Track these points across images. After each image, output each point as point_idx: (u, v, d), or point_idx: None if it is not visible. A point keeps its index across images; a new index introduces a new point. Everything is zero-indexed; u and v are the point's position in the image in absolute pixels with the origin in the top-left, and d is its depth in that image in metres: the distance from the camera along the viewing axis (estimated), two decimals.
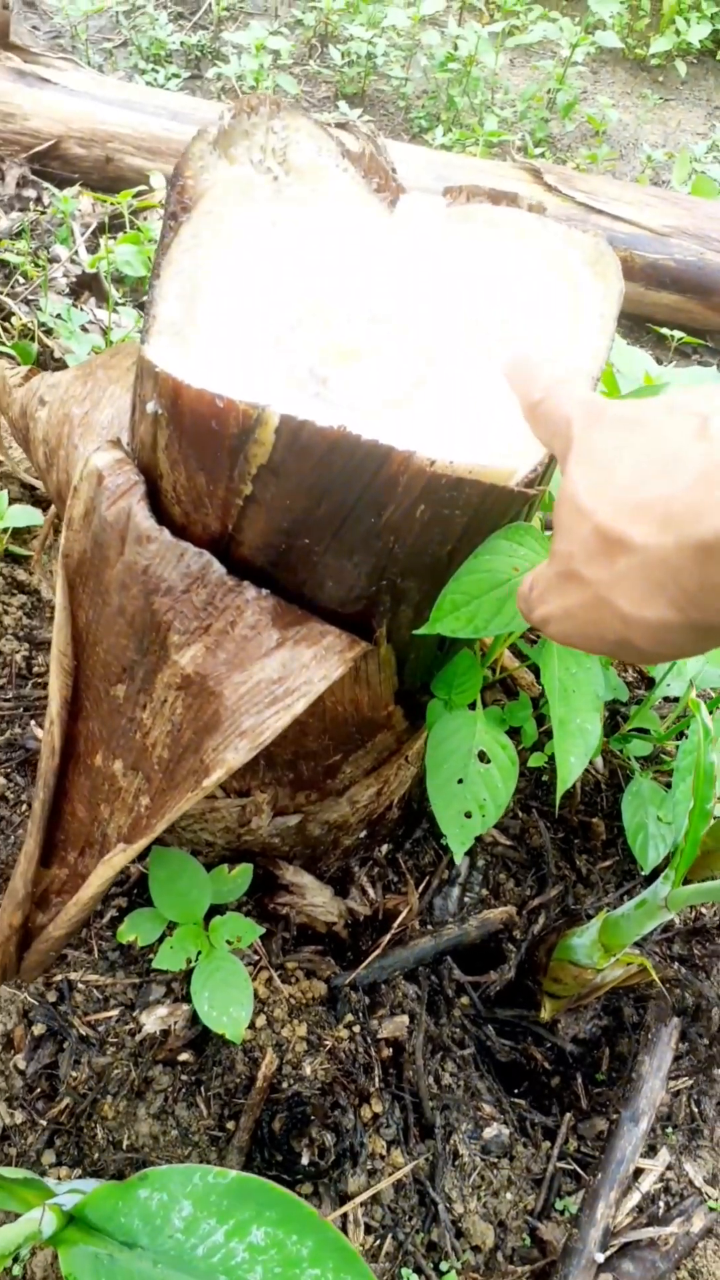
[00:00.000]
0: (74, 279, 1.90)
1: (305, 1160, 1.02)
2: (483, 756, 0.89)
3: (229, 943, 0.98)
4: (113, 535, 0.76)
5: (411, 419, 0.73)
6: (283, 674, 0.71)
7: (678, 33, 3.08)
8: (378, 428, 0.67)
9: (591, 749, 0.75)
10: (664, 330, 2.21)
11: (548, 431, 0.56)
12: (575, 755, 0.73)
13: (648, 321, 2.27)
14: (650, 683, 1.36)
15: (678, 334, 2.17)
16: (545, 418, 0.56)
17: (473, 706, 0.93)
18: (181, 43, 2.83)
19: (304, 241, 0.79)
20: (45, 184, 2.13)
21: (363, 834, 1.12)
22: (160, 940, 1.02)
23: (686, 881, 1.15)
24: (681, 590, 0.45)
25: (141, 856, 1.08)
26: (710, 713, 0.95)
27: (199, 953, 0.97)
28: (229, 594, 0.72)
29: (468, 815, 0.85)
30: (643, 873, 1.16)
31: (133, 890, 1.12)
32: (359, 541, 0.71)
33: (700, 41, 3.16)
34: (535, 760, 1.21)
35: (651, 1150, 1.18)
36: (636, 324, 2.29)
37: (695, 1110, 1.21)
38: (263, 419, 0.63)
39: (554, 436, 0.55)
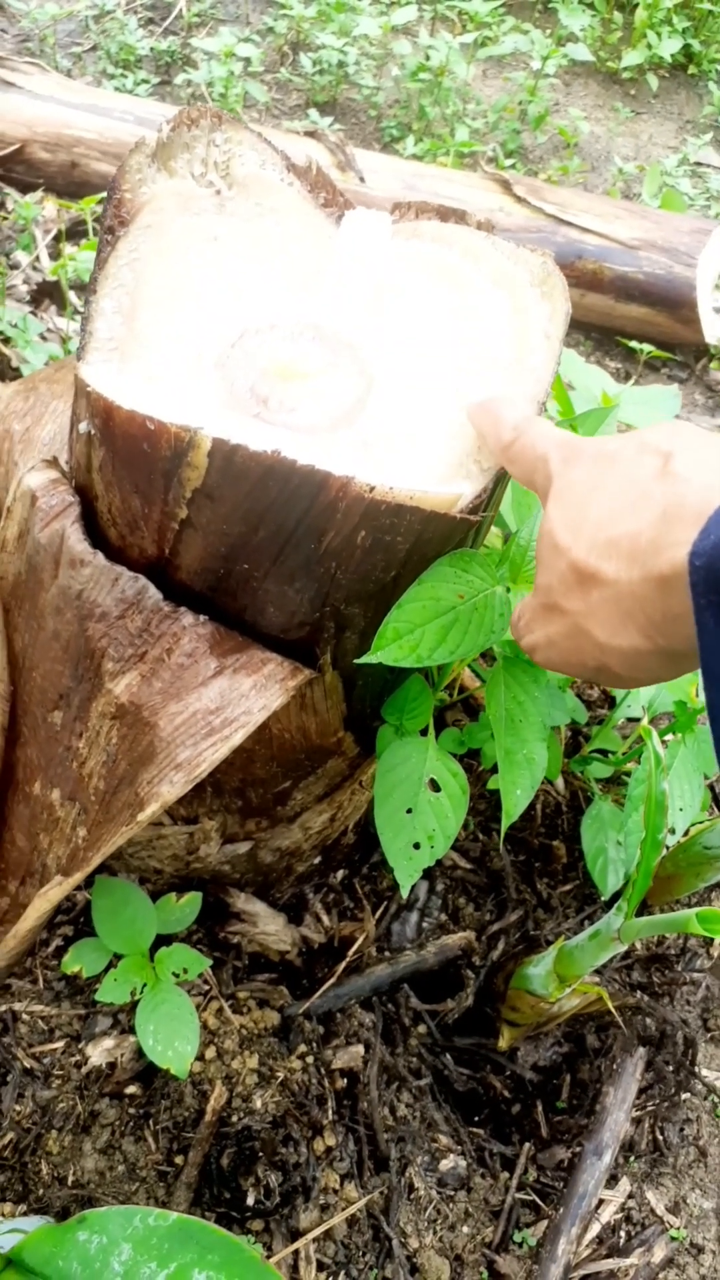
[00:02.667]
0: (34, 286, 1.87)
1: (254, 1198, 0.99)
2: (434, 785, 0.87)
3: (175, 975, 0.95)
4: (46, 558, 0.73)
5: (353, 441, 0.71)
6: (220, 704, 0.69)
7: (649, 46, 3.08)
8: (318, 450, 0.65)
9: (539, 779, 0.73)
10: (633, 344, 2.20)
11: (525, 470, 0.60)
12: (521, 788, 0.71)
13: (617, 334, 2.26)
14: (613, 702, 1.35)
15: (647, 347, 2.16)
16: (520, 456, 0.60)
17: (424, 732, 0.91)
18: (151, 48, 2.80)
19: (247, 257, 0.77)
20: (8, 189, 2.10)
21: (317, 860, 1.10)
22: (106, 970, 0.99)
23: (648, 906, 1.14)
24: (648, 619, 0.48)
25: (88, 884, 1.05)
26: (663, 739, 0.94)
27: (144, 985, 0.94)
28: (165, 620, 0.70)
29: (416, 846, 0.83)
30: (602, 898, 1.14)
31: (79, 919, 1.08)
32: (300, 567, 0.68)
33: (672, 56, 3.16)
34: (495, 783, 1.19)
35: (613, 1179, 1.16)
36: (606, 337, 2.28)
37: (659, 1137, 1.19)
38: (195, 442, 0.61)
39: (533, 474, 0.59)
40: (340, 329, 0.75)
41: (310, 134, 2.29)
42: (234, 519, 0.65)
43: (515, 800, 0.71)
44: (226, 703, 0.69)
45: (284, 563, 0.68)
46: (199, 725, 0.69)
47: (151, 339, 0.73)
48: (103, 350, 0.73)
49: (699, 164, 2.99)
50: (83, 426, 0.68)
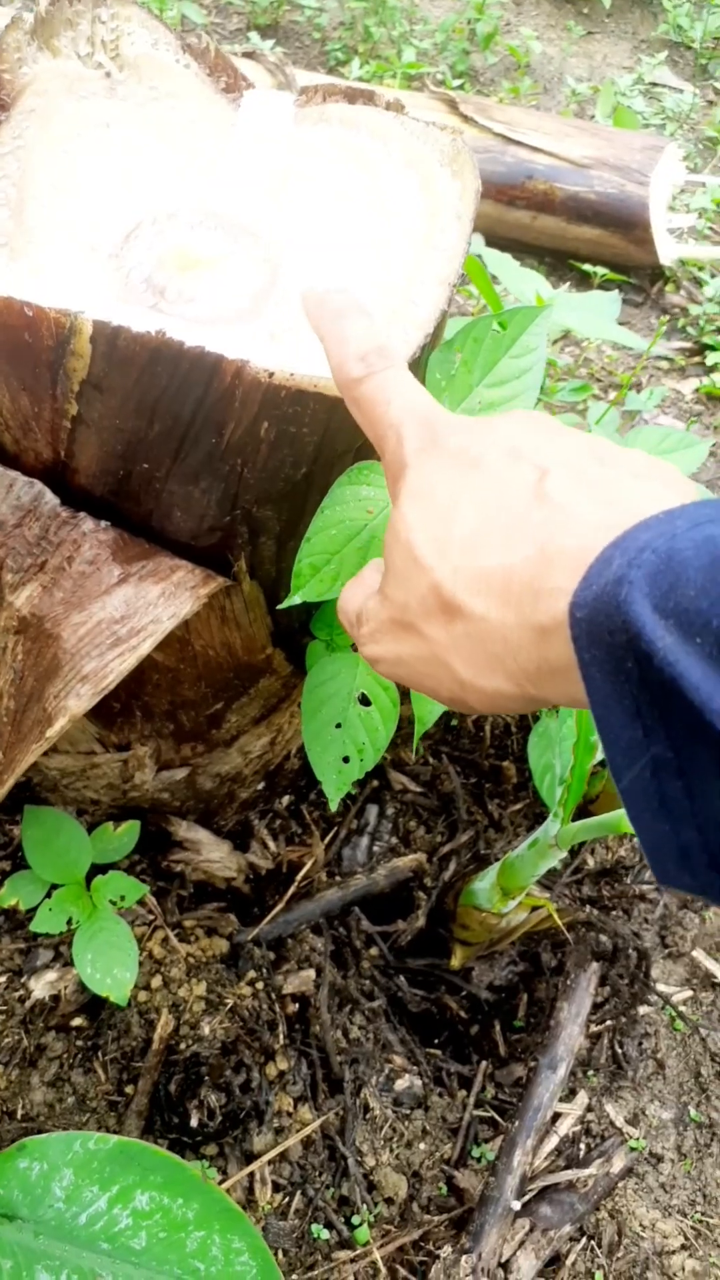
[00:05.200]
0: None
1: (202, 1122, 0.99)
2: (364, 699, 0.85)
3: (113, 903, 0.94)
4: None
5: (259, 333, 0.67)
6: (126, 612, 0.66)
7: None
8: (221, 343, 0.62)
9: None
10: (586, 266, 2.15)
11: (369, 426, 0.51)
12: None
13: (570, 258, 2.21)
14: None
15: (601, 270, 2.12)
16: (368, 408, 0.51)
17: (354, 647, 0.88)
18: None
19: (141, 144, 0.73)
20: None
21: (260, 786, 1.08)
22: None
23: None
24: (520, 668, 0.43)
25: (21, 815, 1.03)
26: None
27: (82, 914, 0.93)
28: (63, 526, 0.67)
29: (345, 760, 0.81)
30: (551, 813, 1.13)
31: (16, 853, 1.06)
32: (203, 465, 0.65)
33: None
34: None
35: (572, 1094, 1.16)
36: (559, 260, 2.23)
37: (617, 1051, 1.20)
38: (76, 327, 0.58)
39: (380, 440, 0.50)
40: (242, 216, 0.71)
41: (248, 55, 2.20)
42: (126, 412, 0.62)
43: (429, 708, 0.69)
44: (133, 611, 0.66)
45: (185, 460, 0.65)
46: (104, 635, 0.66)
47: (40, 232, 0.69)
48: None
49: (654, 84, 2.91)
50: None
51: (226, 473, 0.66)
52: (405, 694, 0.94)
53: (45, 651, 0.67)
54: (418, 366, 0.69)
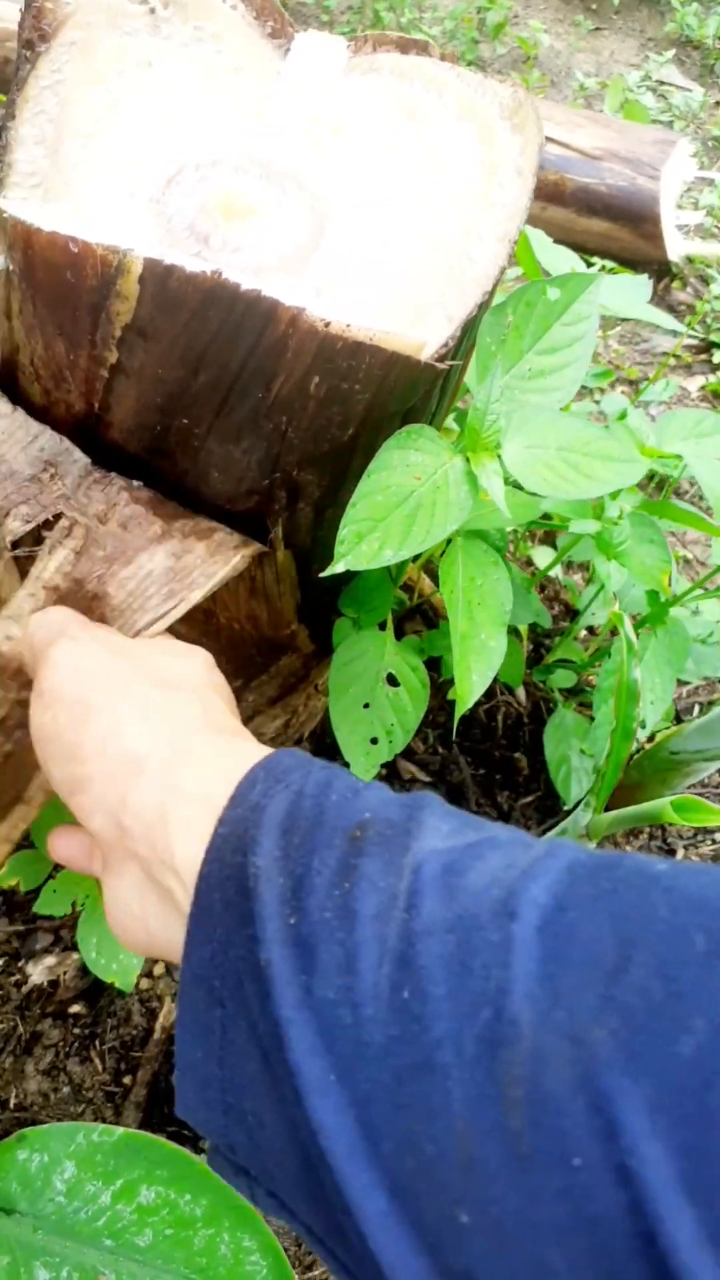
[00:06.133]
0: None
1: None
2: (391, 680, 0.82)
3: None
4: None
5: (305, 286, 0.64)
6: (174, 565, 0.63)
7: None
8: (270, 289, 0.59)
9: (496, 666, 0.68)
10: (594, 260, 2.13)
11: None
12: (478, 673, 0.66)
13: (578, 250, 2.19)
14: (575, 614, 1.31)
15: (609, 264, 2.10)
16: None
17: (383, 626, 0.85)
18: None
19: (185, 86, 0.69)
20: None
21: None
22: (46, 883, 0.93)
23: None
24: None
25: None
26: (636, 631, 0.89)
27: (86, 896, 0.89)
28: (94, 486, 0.63)
29: (374, 741, 0.77)
30: (565, 807, 1.11)
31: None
32: (247, 421, 0.62)
33: None
34: (449, 674, 1.14)
35: None
36: None
37: None
38: (124, 266, 0.54)
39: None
40: (288, 165, 0.68)
41: None
42: (171, 361, 0.58)
43: (472, 685, 0.66)
44: (181, 565, 0.63)
45: (229, 415, 0.61)
46: (155, 588, 0.62)
47: (78, 173, 0.65)
48: (23, 186, 0.65)
49: (661, 82, 2.90)
50: (0, 261, 0.61)
51: (270, 431, 0.63)
52: (433, 677, 0.91)
53: (91, 613, 0.63)
54: (473, 326, 0.66)
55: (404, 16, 2.68)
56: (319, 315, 0.56)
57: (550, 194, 2.10)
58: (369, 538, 0.64)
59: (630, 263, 2.18)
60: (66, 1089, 0.97)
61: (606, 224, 2.12)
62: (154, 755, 0.45)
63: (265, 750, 0.46)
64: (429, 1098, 0.30)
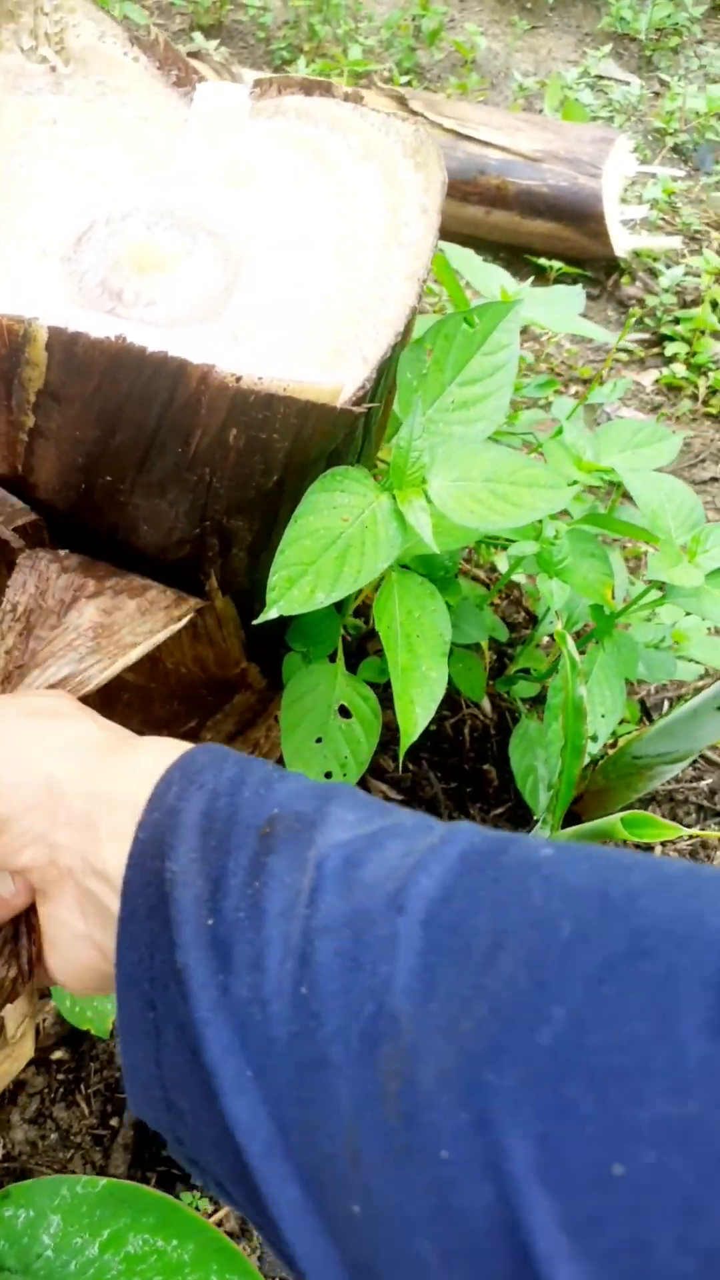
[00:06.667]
0: None
1: None
2: (344, 711, 0.82)
3: None
4: None
5: (220, 334, 0.64)
6: (103, 620, 0.63)
7: None
8: (182, 345, 0.59)
9: (438, 697, 0.68)
10: (542, 260, 2.14)
11: None
12: (420, 704, 0.66)
13: (525, 252, 2.20)
14: (535, 621, 1.31)
15: (556, 264, 2.10)
16: None
17: (333, 658, 0.86)
18: None
19: (91, 141, 0.70)
20: None
21: None
22: None
23: (577, 820, 1.11)
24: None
25: None
26: (582, 649, 0.90)
27: None
28: (24, 563, 0.63)
29: (328, 775, 0.78)
30: (536, 818, 1.12)
31: None
32: (170, 476, 0.62)
33: None
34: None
35: None
36: (514, 255, 2.22)
37: None
38: (30, 334, 0.54)
39: None
40: (199, 214, 0.68)
41: (193, 55, 2.18)
42: (86, 422, 0.58)
43: (415, 718, 0.67)
44: (111, 620, 0.63)
45: (151, 471, 0.62)
46: (81, 641, 0.62)
47: None
48: None
49: (600, 76, 2.91)
50: None
51: (194, 483, 0.63)
52: (385, 702, 0.91)
53: (12, 681, 0.64)
54: (389, 367, 0.67)
55: (340, 28, 2.69)
56: (229, 370, 0.56)
57: (494, 198, 2.11)
58: (300, 582, 0.64)
59: (578, 261, 2.19)
60: (54, 1135, 0.97)
61: (551, 224, 2.13)
62: (69, 774, 0.45)
63: (180, 746, 0.45)
64: (325, 1093, 0.31)
